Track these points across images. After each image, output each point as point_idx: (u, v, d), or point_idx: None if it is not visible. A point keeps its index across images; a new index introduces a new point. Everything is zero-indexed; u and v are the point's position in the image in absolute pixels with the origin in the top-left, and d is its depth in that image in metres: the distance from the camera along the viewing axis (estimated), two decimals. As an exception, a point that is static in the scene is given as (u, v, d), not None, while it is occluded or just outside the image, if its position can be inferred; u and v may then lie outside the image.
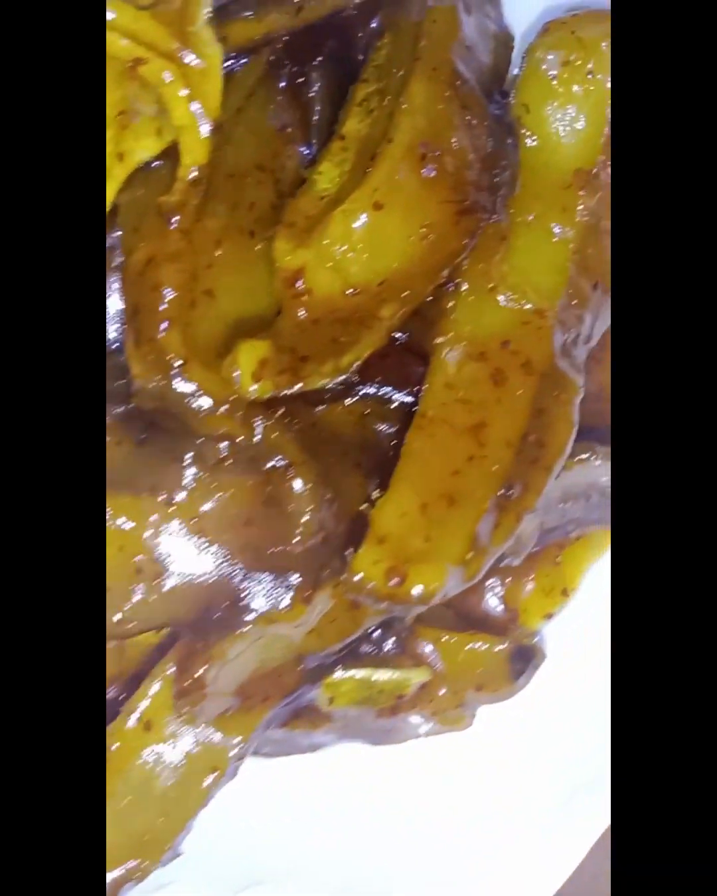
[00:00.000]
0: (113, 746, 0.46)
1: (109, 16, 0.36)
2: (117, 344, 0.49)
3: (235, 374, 0.41)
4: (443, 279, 0.44)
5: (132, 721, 0.47)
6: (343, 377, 0.43)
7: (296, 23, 0.45)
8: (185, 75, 0.38)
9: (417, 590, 0.41)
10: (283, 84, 0.49)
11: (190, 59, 0.37)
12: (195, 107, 0.39)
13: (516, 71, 0.54)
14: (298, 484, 0.44)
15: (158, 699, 0.46)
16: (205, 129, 0.39)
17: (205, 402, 0.42)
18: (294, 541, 0.45)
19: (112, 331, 0.49)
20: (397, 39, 0.49)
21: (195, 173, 0.40)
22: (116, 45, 0.36)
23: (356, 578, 0.40)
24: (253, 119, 0.48)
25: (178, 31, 0.37)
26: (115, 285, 0.46)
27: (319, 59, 0.50)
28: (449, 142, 0.45)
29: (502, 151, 0.47)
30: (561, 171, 0.50)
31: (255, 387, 0.40)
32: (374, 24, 0.50)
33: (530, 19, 0.54)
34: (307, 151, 0.50)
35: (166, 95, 0.38)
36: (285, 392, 0.41)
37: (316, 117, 0.50)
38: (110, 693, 0.47)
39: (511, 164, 0.48)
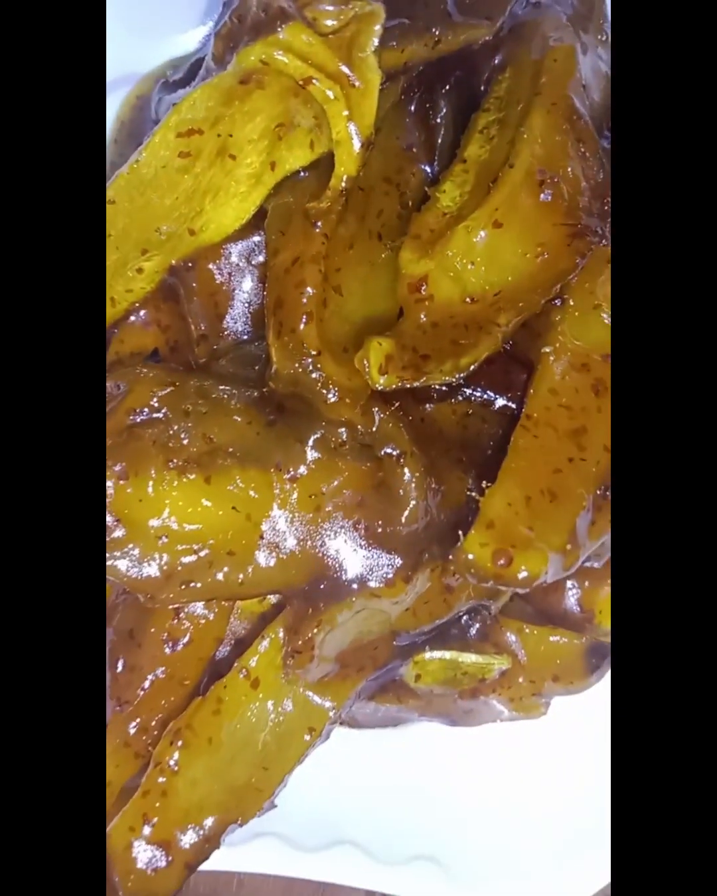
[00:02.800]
0: (222, 697, 0.51)
1: (283, 36, 0.41)
2: (247, 335, 0.54)
3: (364, 366, 0.45)
4: (554, 294, 0.48)
5: (241, 676, 0.51)
6: (457, 377, 0.47)
7: (432, 55, 0.50)
8: (347, 96, 0.43)
9: (522, 572, 0.44)
10: (413, 108, 0.55)
11: (354, 81, 0.42)
12: (351, 125, 0.43)
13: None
14: (407, 473, 0.49)
15: (266, 658, 0.50)
16: (358, 144, 0.44)
17: (333, 390, 0.47)
18: (400, 524, 0.49)
19: (241, 324, 0.54)
20: (519, 74, 0.54)
21: (346, 183, 0.44)
22: (291, 64, 0.42)
23: (467, 557, 0.44)
24: (384, 137, 0.53)
25: (346, 55, 0.43)
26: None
27: (447, 87, 0.55)
28: (565, 170, 0.50)
29: (609, 188, 0.51)
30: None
31: (382, 378, 0.45)
32: (497, 60, 0.55)
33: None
34: (429, 170, 0.54)
35: (330, 112, 0.43)
36: (408, 385, 0.45)
37: (440, 141, 0.55)
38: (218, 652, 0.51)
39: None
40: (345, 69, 0.43)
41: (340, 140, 0.44)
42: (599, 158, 0.52)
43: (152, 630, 0.50)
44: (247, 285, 0.53)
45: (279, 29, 0.41)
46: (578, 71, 0.53)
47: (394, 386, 0.46)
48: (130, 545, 0.46)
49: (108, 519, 0.45)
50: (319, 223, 0.47)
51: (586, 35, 0.57)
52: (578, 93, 0.53)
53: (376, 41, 0.42)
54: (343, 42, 0.42)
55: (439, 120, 0.54)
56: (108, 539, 0.45)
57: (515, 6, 0.55)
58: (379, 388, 0.45)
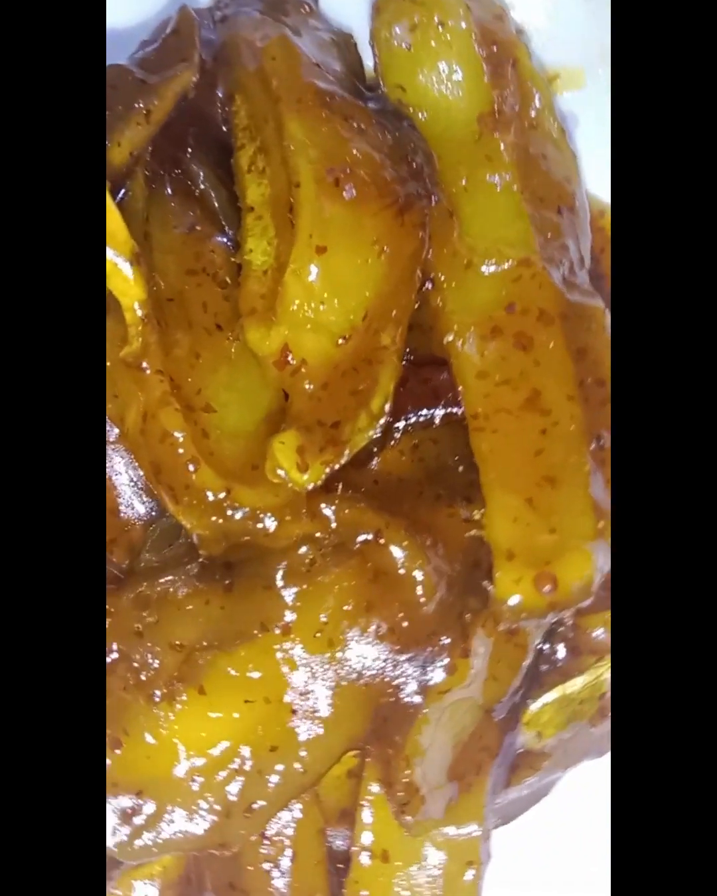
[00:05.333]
0: (362, 894, 0.43)
1: None
2: (152, 512, 0.47)
3: (281, 475, 0.38)
4: (420, 281, 0.41)
5: (366, 860, 0.44)
6: (378, 424, 0.40)
7: (151, 129, 0.44)
8: None
9: (575, 584, 0.37)
10: (169, 189, 0.48)
11: None
12: (109, 252, 0.37)
13: (370, 63, 0.52)
14: (395, 549, 0.41)
15: (379, 825, 0.43)
16: (126, 267, 0.38)
17: (267, 517, 0.40)
18: (422, 604, 0.41)
19: (139, 505, 0.47)
20: (248, 92, 0.47)
21: (141, 311, 0.38)
22: None
23: (511, 604, 0.37)
24: (161, 233, 0.46)
25: None
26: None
27: (189, 150, 0.49)
28: (352, 155, 0.43)
29: (404, 137, 0.44)
30: (466, 126, 0.47)
31: (306, 475, 0.38)
32: (220, 93, 0.49)
33: (356, 11, 0.53)
34: (225, 239, 0.48)
35: None
36: (338, 465, 0.38)
37: (217, 205, 0.49)
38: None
39: (419, 145, 0.45)
40: None
41: (110, 271, 0.38)
42: (374, 121, 0.45)
43: (250, 869, 0.43)
44: (118, 465, 0.45)
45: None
46: (302, 54, 0.47)
47: (324, 475, 0.39)
48: (169, 809, 0.39)
49: (127, 801, 0.38)
50: (144, 364, 0.40)
51: (288, 17, 0.50)
52: (314, 74, 0.46)
53: None
54: None
55: (202, 185, 0.48)
56: (140, 821, 0.38)
57: (203, 33, 0.49)
58: (311, 488, 0.39)
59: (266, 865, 0.44)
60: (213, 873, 0.46)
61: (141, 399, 0.40)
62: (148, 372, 0.40)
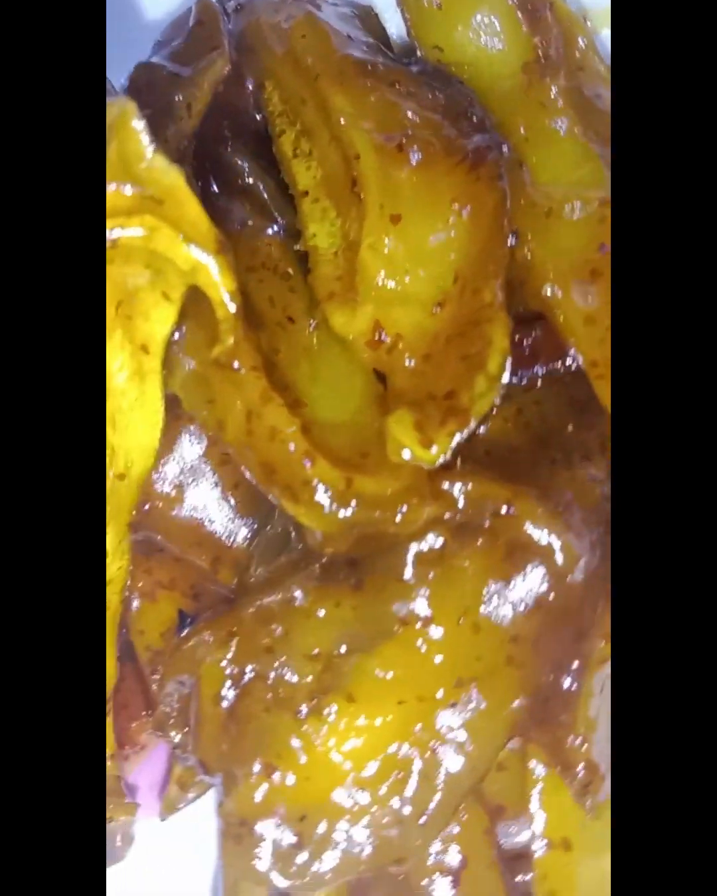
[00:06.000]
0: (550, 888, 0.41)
1: None
2: (253, 526, 0.45)
3: (405, 455, 0.36)
4: (506, 233, 0.39)
5: (546, 850, 0.41)
6: (502, 383, 0.37)
7: (194, 121, 0.42)
8: (164, 217, 0.34)
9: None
10: (215, 187, 0.46)
11: (156, 197, 0.33)
12: (192, 248, 0.34)
13: (393, 33, 0.51)
14: (527, 519, 0.39)
15: (554, 813, 0.40)
16: (211, 261, 0.35)
17: (393, 503, 0.38)
18: (566, 572, 0.39)
19: (237, 523, 0.45)
20: (279, 78, 0.45)
21: (233, 305, 0.36)
22: None
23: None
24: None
25: (127, 174, 0.33)
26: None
27: (228, 145, 0.47)
28: (407, 119, 0.41)
29: (456, 94, 0.42)
30: (512, 77, 0.45)
31: (434, 449, 0.35)
32: (249, 84, 0.47)
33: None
34: (277, 229, 0.46)
35: (161, 247, 0.34)
36: (466, 435, 0.36)
37: (266, 196, 0.47)
38: None
39: (472, 101, 0.43)
40: (136, 190, 0.34)
41: (194, 266, 0.35)
42: (421, 83, 0.43)
43: (421, 883, 0.40)
44: (208, 479, 0.43)
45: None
46: (329, 28, 0.45)
47: (451, 447, 0.36)
48: (339, 829, 0.36)
49: (291, 829, 0.35)
50: (236, 363, 0.38)
51: (303, -5, 0.49)
52: (349, 46, 0.44)
53: (147, 139, 0.33)
54: (116, 165, 0.33)
55: (249, 179, 0.46)
56: (309, 848, 0.35)
57: (225, 24, 0.47)
58: (441, 462, 0.36)
59: (437, 877, 0.42)
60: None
61: (240, 399, 0.38)
62: (242, 371, 0.38)
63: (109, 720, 0.45)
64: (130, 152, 0.32)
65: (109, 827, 0.50)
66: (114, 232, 0.33)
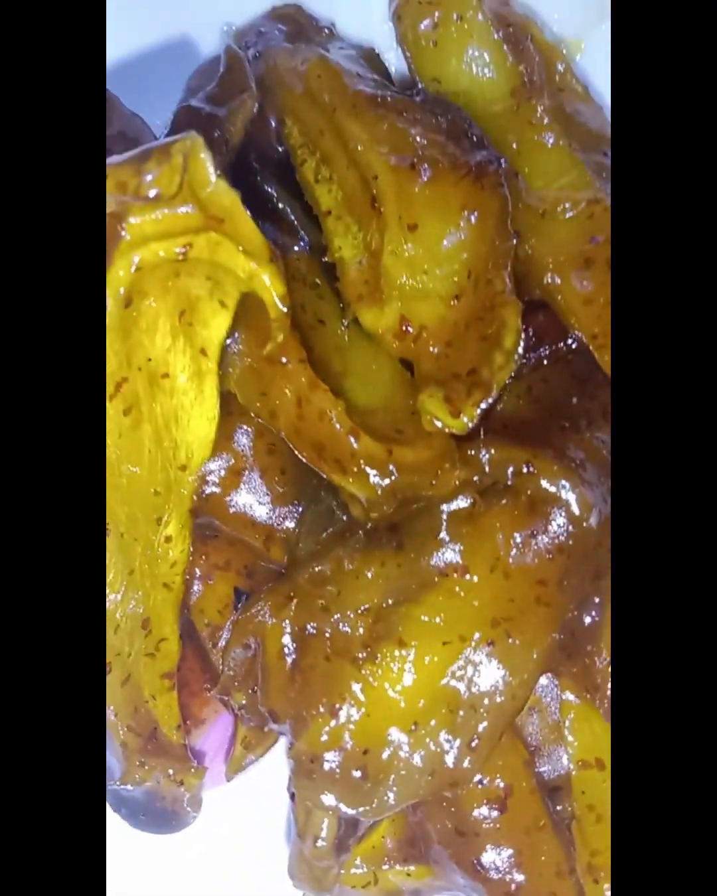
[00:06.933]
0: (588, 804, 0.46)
1: (129, 236, 0.39)
2: (299, 506, 0.50)
3: (437, 424, 0.42)
4: (510, 235, 0.45)
5: (583, 770, 0.46)
6: (518, 358, 0.43)
7: (230, 155, 0.48)
8: (226, 233, 0.40)
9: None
10: (248, 213, 0.53)
11: (219, 216, 0.39)
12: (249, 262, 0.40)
13: (393, 69, 0.58)
14: (544, 476, 0.45)
15: (586, 737, 0.46)
16: (264, 269, 0.41)
17: (429, 469, 0.43)
18: (582, 519, 0.44)
19: (287, 504, 0.50)
20: (298, 113, 0.52)
21: (284, 306, 0.42)
22: (158, 250, 0.39)
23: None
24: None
25: (195, 197, 0.39)
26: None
27: (257, 176, 0.53)
28: (416, 142, 0.47)
29: (456, 118, 0.49)
30: (503, 101, 0.52)
31: (464, 417, 0.41)
32: (272, 121, 0.54)
33: (369, 27, 0.58)
34: (303, 245, 0.52)
35: (223, 259, 0.40)
36: (490, 403, 0.42)
37: (293, 217, 0.53)
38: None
39: (470, 123, 0.50)
40: (200, 211, 0.39)
41: (251, 273, 0.41)
42: (422, 107, 0.50)
43: (472, 811, 0.46)
44: (257, 467, 0.49)
45: (122, 231, 0.39)
46: (341, 68, 0.52)
47: (477, 414, 0.42)
48: (399, 757, 0.42)
49: (356, 762, 0.41)
50: (284, 358, 0.44)
51: (314, 40, 0.56)
52: (359, 83, 0.51)
53: (212, 167, 0.39)
54: (186, 190, 0.39)
55: (278, 204, 0.52)
56: (374, 776, 0.41)
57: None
58: (470, 427, 0.42)
59: (486, 805, 0.47)
60: (437, 825, 0.48)
61: (290, 388, 0.44)
62: (290, 364, 0.44)
63: (174, 695, 0.50)
64: (197, 179, 0.39)
65: (178, 792, 0.55)
66: (183, 248, 0.39)
